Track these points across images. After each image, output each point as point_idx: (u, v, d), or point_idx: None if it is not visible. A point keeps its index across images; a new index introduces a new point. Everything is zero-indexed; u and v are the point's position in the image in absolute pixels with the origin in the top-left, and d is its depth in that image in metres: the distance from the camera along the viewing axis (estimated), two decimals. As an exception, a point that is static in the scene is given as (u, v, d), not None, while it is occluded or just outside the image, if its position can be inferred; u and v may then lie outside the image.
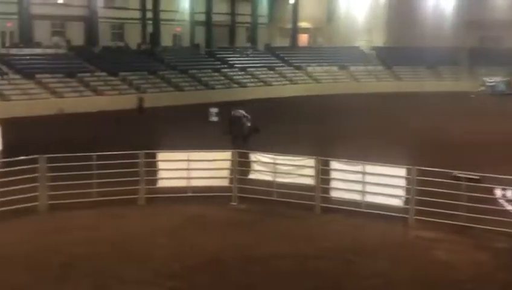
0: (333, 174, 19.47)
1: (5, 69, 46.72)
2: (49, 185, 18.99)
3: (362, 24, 73.08)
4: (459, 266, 15.24)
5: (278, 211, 19.12)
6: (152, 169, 20.22)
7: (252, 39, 68.02)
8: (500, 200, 17.64)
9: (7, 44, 52.48)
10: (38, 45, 51.98)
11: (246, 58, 62.46)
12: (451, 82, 63.33)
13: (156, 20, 60.05)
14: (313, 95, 55.25)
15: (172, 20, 63.92)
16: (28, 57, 49.53)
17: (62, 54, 52.28)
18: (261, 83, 58.73)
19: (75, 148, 22.33)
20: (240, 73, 58.98)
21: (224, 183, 20.28)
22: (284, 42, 71.14)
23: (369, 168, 18.84)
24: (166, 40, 62.36)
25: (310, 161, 19.60)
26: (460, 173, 17.73)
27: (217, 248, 16.08)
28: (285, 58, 64.96)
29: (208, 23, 64.30)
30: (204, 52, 62.25)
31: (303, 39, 74.17)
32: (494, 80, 61.00)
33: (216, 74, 57.52)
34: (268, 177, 20.19)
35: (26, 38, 51.61)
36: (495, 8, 69.03)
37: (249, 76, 59.12)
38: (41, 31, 54.67)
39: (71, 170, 18.84)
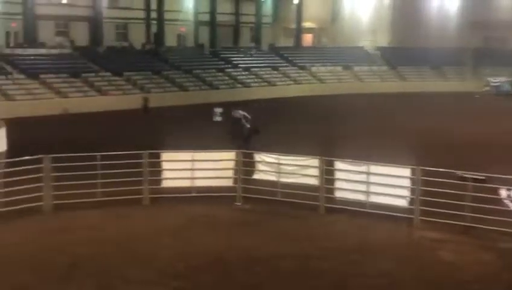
0: (337, 175, 19.42)
1: (9, 69, 46.84)
2: (53, 185, 19.00)
3: (366, 24, 73.05)
4: (464, 266, 15.21)
5: (282, 211, 19.10)
6: (156, 169, 20.21)
7: (256, 39, 68.03)
8: (505, 201, 17.58)
9: (12, 44, 52.51)
10: (42, 45, 52.04)
11: (250, 58, 62.48)
12: (455, 82, 63.26)
13: (160, 20, 60.09)
14: (317, 95, 55.24)
15: (177, 20, 63.97)
16: (32, 57, 49.67)
17: (66, 54, 52.36)
18: (265, 83, 58.72)
19: (79, 148, 22.34)
20: (244, 73, 58.99)
21: (229, 183, 20.26)
22: (288, 42, 71.14)
23: (374, 168, 18.81)
24: (170, 40, 62.41)
25: (314, 161, 19.58)
26: (466, 174, 17.67)
27: (221, 248, 16.07)
28: (290, 58, 64.95)
29: (212, 23, 64.34)
30: (208, 52, 62.28)
31: (307, 39, 74.15)
32: (499, 80, 60.89)
33: (220, 73, 57.54)
34: (272, 178, 20.17)
35: (30, 38, 51.70)
36: (499, 8, 68.99)
37: (253, 76, 59.12)
38: (46, 31, 54.70)
39: (75, 170, 18.84)
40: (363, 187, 18.92)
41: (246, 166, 20.38)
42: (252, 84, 57.42)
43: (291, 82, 60.73)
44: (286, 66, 63.23)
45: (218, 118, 38.92)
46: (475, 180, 17.45)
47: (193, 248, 16.09)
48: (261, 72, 60.15)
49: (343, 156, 20.62)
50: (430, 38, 65.56)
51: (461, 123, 38.70)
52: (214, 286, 14.10)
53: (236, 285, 14.19)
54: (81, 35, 57.26)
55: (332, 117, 42.01)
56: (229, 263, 15.22)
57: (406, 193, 18.42)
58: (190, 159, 20.26)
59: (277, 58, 64.76)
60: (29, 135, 30.60)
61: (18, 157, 19.01)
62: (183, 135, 30.22)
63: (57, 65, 49.52)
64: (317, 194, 19.28)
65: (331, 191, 19.49)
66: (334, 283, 14.28)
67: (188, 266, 14.92)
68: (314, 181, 19.47)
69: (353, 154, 21.93)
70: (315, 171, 19.48)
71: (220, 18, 64.86)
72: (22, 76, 46.60)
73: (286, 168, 20.05)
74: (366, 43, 71.26)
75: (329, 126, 37.62)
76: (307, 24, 71.94)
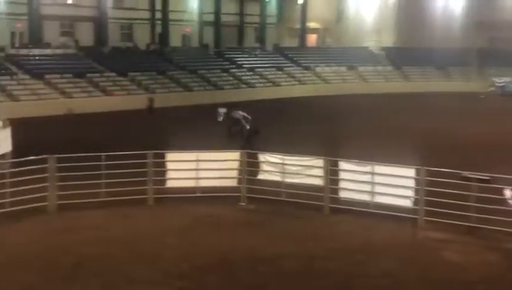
0: (342, 175, 19.43)
1: (14, 69, 46.92)
2: (58, 185, 19.03)
3: (371, 24, 72.98)
4: (469, 267, 15.19)
5: (286, 211, 19.11)
6: (161, 169, 20.24)
7: (261, 39, 68.04)
8: (510, 201, 17.54)
9: (17, 44, 52.65)
10: (47, 45, 52.14)
11: (255, 59, 62.47)
12: (460, 83, 63.14)
13: (165, 21, 60.14)
14: (321, 96, 55.20)
15: (181, 20, 64.02)
16: (37, 58, 49.80)
17: (71, 55, 52.44)
18: (270, 83, 58.71)
19: (84, 149, 22.36)
20: (248, 73, 58.99)
21: (233, 183, 20.26)
22: (293, 42, 71.12)
23: (378, 168, 18.79)
24: (175, 41, 62.45)
25: (319, 161, 19.58)
26: (470, 174, 17.64)
27: (226, 248, 16.08)
28: (294, 58, 64.93)
29: (217, 24, 64.39)
30: (213, 53, 62.29)
31: (312, 39, 74.10)
32: (504, 80, 60.75)
33: (225, 74, 57.54)
34: (277, 178, 20.17)
35: (35, 38, 51.83)
36: (504, 8, 68.91)
37: (258, 76, 59.11)
38: (51, 32, 54.83)
39: (80, 170, 18.88)
40: (367, 187, 18.90)
41: (250, 166, 20.38)
42: (257, 85, 57.41)
43: (296, 82, 60.71)
44: (291, 67, 63.21)
45: (222, 118, 38.90)
46: (480, 180, 17.42)
47: (198, 248, 16.10)
48: (266, 73, 60.15)
49: (347, 156, 20.64)
50: (435, 39, 65.48)
51: (466, 123, 38.65)
52: (219, 286, 14.11)
53: (240, 285, 14.20)
54: (86, 35, 57.33)
55: (336, 117, 42.00)
56: (233, 263, 15.23)
57: (410, 193, 18.41)
58: (195, 159, 20.27)
59: (281, 58, 64.74)
60: (34, 135, 30.65)
61: (23, 157, 19.08)
62: (187, 135, 30.24)
63: (62, 65, 49.58)
64: (321, 194, 19.28)
65: (335, 191, 19.49)
66: (339, 283, 14.28)
67: (193, 266, 14.94)
68: (318, 181, 19.47)
69: (357, 154, 21.93)
70: (320, 172, 19.48)
71: (224, 18, 64.90)
72: (26, 76, 46.69)
73: (291, 169, 20.06)
74: (371, 43, 71.19)
75: (334, 126, 37.60)
76: (311, 24, 71.93)
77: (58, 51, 52.01)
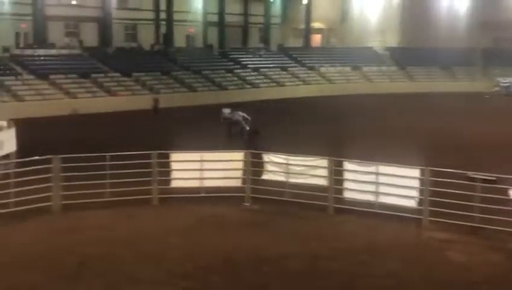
0: (346, 175, 19.41)
1: (19, 69, 47.02)
2: (62, 185, 19.06)
3: (376, 25, 72.90)
4: (473, 267, 15.17)
5: (290, 211, 19.10)
6: (165, 169, 20.25)
7: (265, 40, 68.08)
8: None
9: (21, 45, 52.74)
10: (52, 45, 52.22)
11: (259, 59, 62.48)
12: (465, 83, 63.04)
13: (169, 21, 60.20)
14: (326, 96, 55.19)
15: (186, 21, 64.07)
16: (42, 58, 49.91)
17: (76, 55, 52.55)
18: (274, 84, 58.70)
19: (88, 149, 22.39)
20: (252, 73, 58.99)
21: (237, 183, 20.27)
22: (297, 43, 71.11)
23: (383, 168, 18.77)
24: (179, 41, 62.48)
25: (323, 162, 19.56)
26: (475, 174, 17.61)
27: (230, 248, 16.08)
28: (298, 58, 64.92)
29: (221, 24, 64.44)
30: (217, 53, 62.35)
31: (316, 40, 74.11)
32: (509, 80, 60.62)
33: (229, 74, 57.55)
34: (281, 178, 20.17)
35: (40, 39, 51.91)
36: (509, 8, 68.73)
37: (262, 76, 59.12)
38: (56, 32, 54.91)
39: (85, 170, 18.90)
40: (372, 188, 18.89)
41: (254, 166, 20.38)
42: (261, 85, 57.42)
43: (300, 82, 60.70)
44: (295, 67, 63.21)
45: (224, 119, 38.93)
46: (484, 180, 17.39)
47: (202, 248, 16.10)
48: (270, 73, 60.15)
49: (352, 157, 20.62)
50: (440, 39, 65.38)
51: (471, 123, 38.60)
52: (223, 286, 14.11)
53: (245, 285, 14.20)
54: (90, 36, 57.43)
55: (341, 117, 41.98)
56: (237, 263, 15.23)
57: (414, 193, 18.39)
58: (199, 159, 20.28)
59: (286, 58, 64.74)
60: (38, 136, 30.70)
61: (27, 157, 19.11)
62: (192, 135, 30.26)
63: (67, 66, 49.68)
64: (326, 194, 19.27)
65: (340, 191, 19.47)
66: (343, 284, 14.27)
67: (197, 266, 14.94)
68: (323, 182, 19.45)
69: (362, 154, 21.94)
70: (324, 172, 19.47)
71: (228, 19, 64.96)
72: (31, 77, 46.79)
73: (295, 169, 20.05)
74: (375, 43, 71.14)
75: (338, 126, 37.59)
76: (315, 24, 71.93)
77: (63, 52, 52.12)
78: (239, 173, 20.35)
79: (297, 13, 71.91)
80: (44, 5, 52.14)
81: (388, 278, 14.38)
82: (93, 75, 49.32)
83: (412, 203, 18.38)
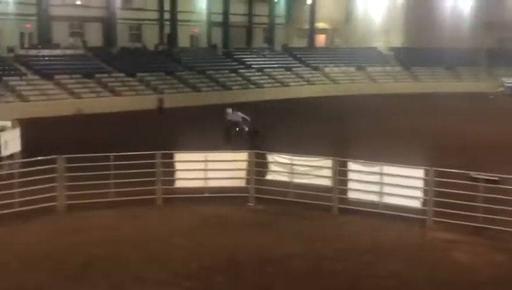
0: (350, 175, 19.41)
1: (24, 70, 47.11)
2: (67, 185, 19.10)
3: (380, 25, 72.86)
4: (477, 267, 15.16)
5: (295, 212, 19.10)
6: (169, 169, 20.27)
7: (269, 40, 68.09)
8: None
9: (26, 45, 52.86)
10: (56, 46, 52.30)
11: (263, 59, 62.50)
12: (469, 83, 62.98)
13: (174, 21, 60.22)
14: (330, 96, 55.18)
15: (190, 21, 64.14)
16: (46, 58, 49.97)
17: (80, 55, 52.63)
18: (278, 84, 58.70)
19: (93, 149, 22.41)
20: (257, 74, 59.00)
21: (241, 184, 20.27)
22: (301, 43, 71.11)
23: (387, 169, 18.77)
24: (183, 41, 62.53)
25: (327, 162, 19.56)
26: (478, 174, 17.60)
27: (234, 249, 16.10)
28: (303, 58, 64.91)
29: (225, 24, 64.45)
30: (221, 53, 62.37)
31: (320, 40, 74.09)
32: (513, 80, 60.62)
33: (233, 74, 57.57)
34: (285, 178, 20.18)
35: (44, 39, 51.98)
36: (514, 8, 68.66)
37: (266, 77, 59.13)
38: (60, 32, 54.98)
39: (89, 170, 18.92)
40: (376, 188, 18.88)
41: (258, 167, 20.39)
42: (265, 85, 57.42)
43: (305, 83, 60.70)
44: (299, 67, 63.21)
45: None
46: (488, 181, 17.37)
47: (206, 248, 16.12)
48: (274, 73, 60.16)
49: (356, 157, 20.61)
50: (444, 39, 65.28)
51: (475, 124, 38.54)
52: (227, 286, 14.13)
53: (248, 285, 14.21)
54: (94, 36, 57.53)
55: (345, 117, 41.94)
56: (241, 263, 15.25)
57: (419, 193, 18.38)
58: (203, 159, 20.30)
59: (290, 58, 64.74)
60: (43, 136, 30.74)
61: (32, 157, 19.16)
62: (196, 135, 30.27)
63: (71, 66, 49.73)
64: (330, 195, 19.27)
65: (344, 192, 19.47)
66: (347, 284, 14.27)
67: (201, 267, 14.96)
68: (327, 182, 19.45)
69: (366, 154, 21.90)
70: (328, 172, 19.46)
71: (233, 19, 64.96)
72: (36, 77, 46.87)
73: (299, 169, 20.05)
74: (380, 43, 71.10)
75: (343, 127, 37.56)
76: (320, 25, 71.89)
77: (67, 52, 52.19)
78: (243, 173, 20.35)
79: (302, 13, 71.93)
80: (48, 5, 52.20)
81: (392, 279, 14.38)
82: (97, 75, 49.38)
83: (416, 204, 18.36)
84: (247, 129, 30.86)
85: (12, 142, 24.43)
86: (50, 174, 18.82)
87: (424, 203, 18.19)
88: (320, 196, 19.25)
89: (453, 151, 28.55)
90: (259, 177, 20.27)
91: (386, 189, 18.74)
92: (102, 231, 17.29)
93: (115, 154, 19.47)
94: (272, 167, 20.41)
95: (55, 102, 43.93)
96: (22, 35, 53.44)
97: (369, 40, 71.65)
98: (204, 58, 59.63)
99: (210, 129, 33.34)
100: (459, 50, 63.54)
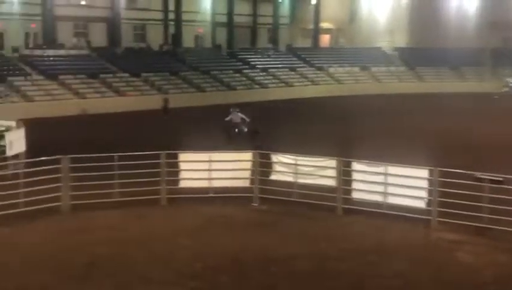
0: (355, 176, 19.40)
1: (28, 70, 47.23)
2: (72, 185, 19.13)
3: (384, 25, 72.77)
4: (481, 268, 15.14)
5: (299, 212, 19.10)
6: (174, 169, 20.30)
7: (274, 40, 68.09)
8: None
9: (31, 45, 52.95)
10: (61, 46, 52.40)
11: (268, 59, 62.52)
12: (474, 83, 62.90)
13: (178, 21, 60.27)
14: (334, 96, 55.18)
15: (194, 21, 64.18)
16: (51, 58, 50.10)
17: (85, 55, 52.73)
18: (283, 84, 58.72)
19: (97, 149, 22.43)
20: (261, 74, 59.03)
21: (246, 184, 20.30)
22: (306, 43, 71.10)
23: (391, 169, 18.75)
24: (188, 41, 62.59)
25: (332, 162, 19.56)
26: (483, 175, 17.57)
27: (238, 249, 16.10)
28: (307, 59, 64.92)
29: (230, 24, 64.47)
30: (226, 53, 62.42)
31: (325, 40, 74.04)
32: (518, 81, 60.55)
33: (238, 74, 57.62)
34: (289, 178, 20.18)
35: (49, 39, 52.08)
36: (518, 8, 68.51)
37: (271, 77, 59.14)
38: (65, 32, 55.08)
39: (94, 170, 18.96)
40: (380, 188, 18.87)
41: (263, 167, 20.40)
42: (270, 85, 57.45)
43: (309, 83, 60.71)
44: (303, 67, 63.22)
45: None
46: (492, 181, 17.35)
47: (210, 249, 16.14)
48: (279, 73, 60.19)
49: (360, 157, 20.59)
50: (449, 39, 65.20)
51: (480, 124, 38.48)
52: (231, 286, 14.14)
53: (253, 285, 14.22)
54: (99, 36, 57.59)
55: (349, 118, 41.94)
56: (245, 263, 15.25)
57: (423, 194, 18.36)
58: (207, 159, 20.32)
59: (294, 59, 64.75)
60: (47, 136, 30.80)
61: (37, 157, 19.20)
62: (200, 135, 30.28)
63: (76, 66, 49.87)
64: (334, 195, 19.26)
65: (348, 192, 19.47)
66: (351, 284, 14.27)
67: (205, 267, 14.97)
68: (331, 182, 19.44)
69: (370, 155, 21.89)
70: (332, 172, 19.46)
71: (237, 19, 64.98)
72: (40, 77, 46.99)
73: (303, 169, 20.05)
74: (384, 43, 71.05)
75: (347, 127, 37.56)
76: (324, 25, 71.86)
77: (72, 52, 52.29)
78: (247, 174, 20.37)
79: (306, 13, 71.91)
80: (53, 5, 52.33)
81: (396, 279, 14.37)
82: (102, 76, 49.48)
83: (420, 204, 18.35)
84: (246, 130, 30.85)
85: (17, 142, 24.44)
86: (55, 174, 18.86)
87: (429, 203, 18.17)
88: (325, 196, 19.25)
89: (457, 152, 28.52)
90: (263, 178, 20.27)
91: (391, 189, 18.72)
92: (107, 231, 17.31)
93: (120, 154, 19.51)
94: (276, 167, 20.41)
95: (59, 102, 44.03)
96: (26, 35, 53.57)
97: (373, 40, 71.61)
98: (209, 58, 59.70)
99: (214, 129, 33.38)
100: (463, 50, 63.45)
